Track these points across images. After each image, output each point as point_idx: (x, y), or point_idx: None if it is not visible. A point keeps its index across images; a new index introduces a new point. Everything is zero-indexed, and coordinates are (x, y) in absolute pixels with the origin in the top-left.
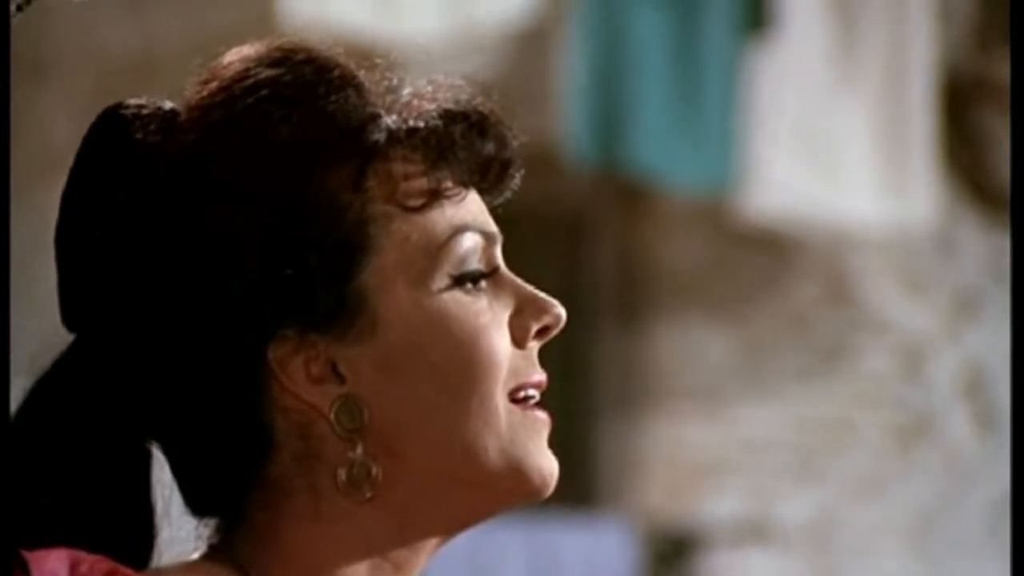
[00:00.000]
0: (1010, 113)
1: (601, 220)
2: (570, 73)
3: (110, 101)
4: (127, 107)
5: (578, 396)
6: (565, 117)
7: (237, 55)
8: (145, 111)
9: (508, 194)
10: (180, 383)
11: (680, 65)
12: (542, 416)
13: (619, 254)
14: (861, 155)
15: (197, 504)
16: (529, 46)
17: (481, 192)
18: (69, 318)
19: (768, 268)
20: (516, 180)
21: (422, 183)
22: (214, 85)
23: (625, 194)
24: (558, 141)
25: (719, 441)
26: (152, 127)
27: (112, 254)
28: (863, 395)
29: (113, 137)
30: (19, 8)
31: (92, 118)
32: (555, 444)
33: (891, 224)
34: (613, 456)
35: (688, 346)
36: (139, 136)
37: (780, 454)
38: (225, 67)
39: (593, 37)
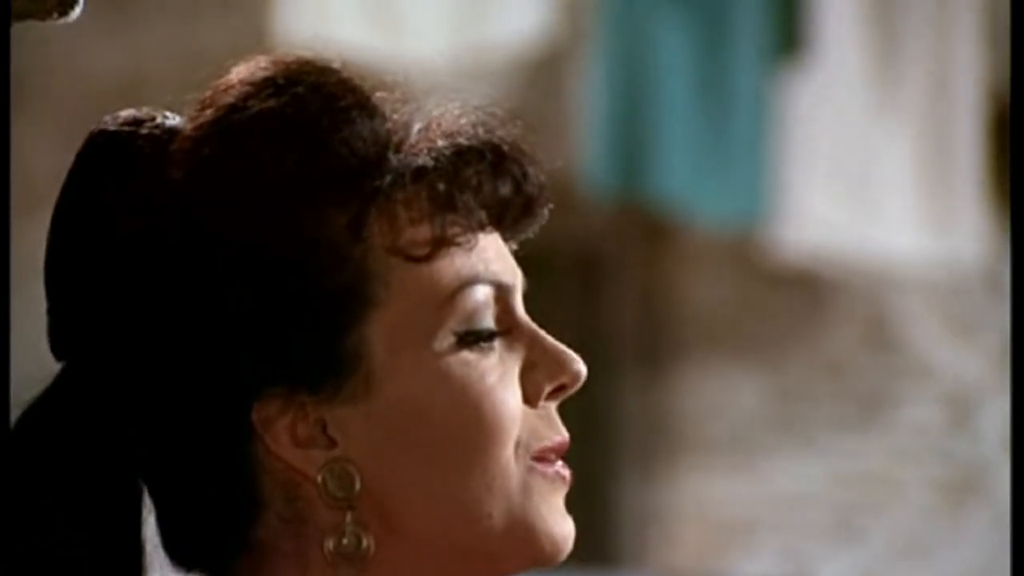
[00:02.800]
0: (1010, 113)
1: (621, 258)
2: (587, 99)
3: (95, 127)
4: (123, 125)
5: (598, 448)
6: (582, 147)
7: (240, 76)
8: (142, 130)
9: (533, 231)
10: (164, 427)
11: (706, 90)
12: (564, 474)
13: (641, 295)
14: (903, 187)
15: (179, 557)
16: (543, 70)
17: (501, 232)
18: (57, 345)
19: (803, 310)
20: (541, 218)
21: (427, 230)
22: (210, 114)
23: (647, 230)
24: (574, 173)
25: (750, 497)
26: (147, 151)
27: (99, 284)
28: (906, 448)
29: (105, 162)
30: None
31: (76, 144)
32: (573, 499)
33: (936, 261)
34: (636, 513)
35: (716, 394)
36: (132, 163)
37: (816, 511)
38: (225, 90)
39: (613, 61)
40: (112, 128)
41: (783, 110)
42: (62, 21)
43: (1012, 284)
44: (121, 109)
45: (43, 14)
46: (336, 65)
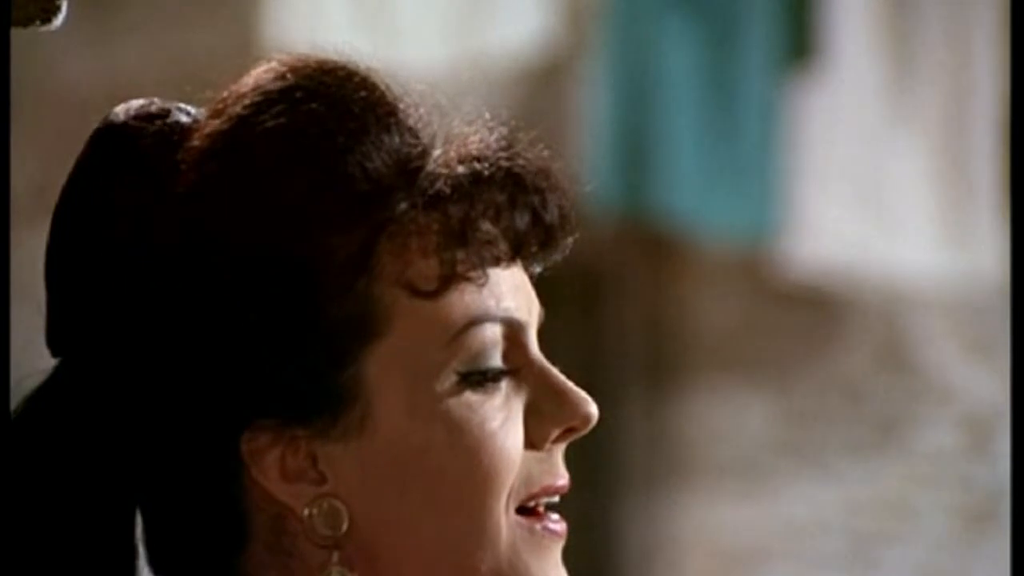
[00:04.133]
0: (1011, 113)
1: (625, 275)
2: (590, 109)
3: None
4: (134, 118)
5: (600, 472)
6: (584, 159)
7: (256, 82)
8: (152, 127)
9: (558, 259)
10: (152, 443)
11: (714, 100)
12: (554, 529)
13: (646, 314)
14: (919, 200)
15: None
16: (545, 79)
17: (523, 261)
18: (53, 341)
19: (815, 329)
20: (564, 248)
21: (437, 264)
22: (219, 124)
23: (652, 246)
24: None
25: (760, 525)
26: (154, 151)
27: (95, 286)
28: (923, 473)
29: (111, 158)
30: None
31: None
32: (575, 525)
33: (954, 278)
34: (640, 540)
35: (725, 418)
36: (138, 163)
37: (829, 539)
38: (238, 98)
39: (617, 69)
40: (121, 121)
41: (794, 120)
42: (45, 28)
43: (1012, 286)
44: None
45: (25, 21)
46: (360, 73)
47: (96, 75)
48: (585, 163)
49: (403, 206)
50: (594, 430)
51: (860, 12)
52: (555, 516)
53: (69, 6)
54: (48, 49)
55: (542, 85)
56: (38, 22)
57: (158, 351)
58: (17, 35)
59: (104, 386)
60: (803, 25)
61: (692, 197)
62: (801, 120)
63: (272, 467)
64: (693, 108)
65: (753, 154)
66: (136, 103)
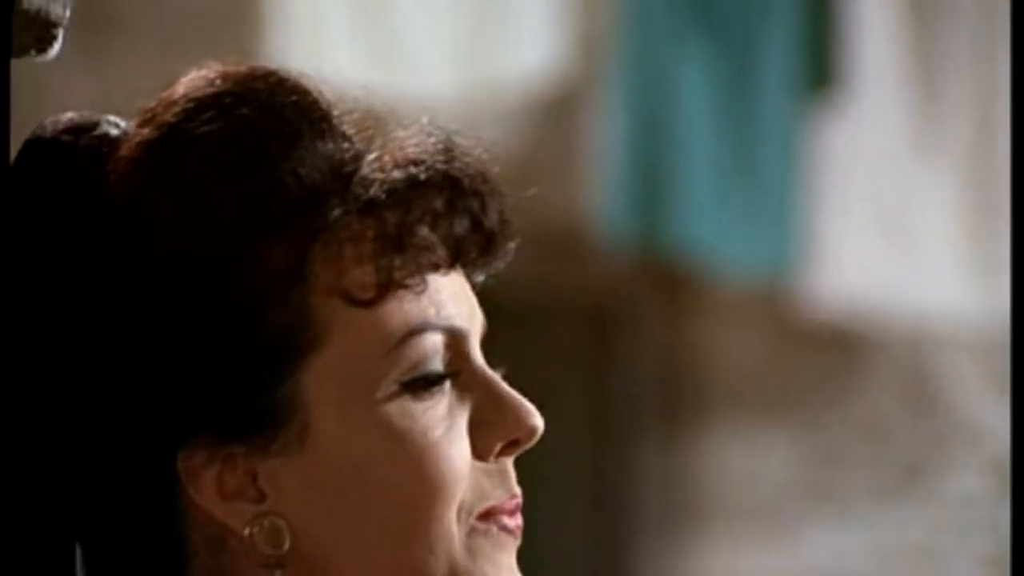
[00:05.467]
0: (1011, 113)
1: (640, 312)
2: (604, 140)
3: (34, 132)
4: (62, 132)
5: (613, 517)
6: (597, 191)
7: (186, 90)
8: (82, 141)
9: (499, 266)
10: (87, 461)
11: (732, 130)
12: (508, 526)
13: (661, 352)
14: (946, 234)
15: None
16: (557, 108)
17: (463, 269)
18: None
19: (837, 368)
20: (505, 254)
21: (373, 272)
22: (149, 133)
23: (668, 281)
24: (588, 219)
25: (781, 571)
26: (84, 164)
27: (27, 298)
28: (952, 518)
29: (40, 173)
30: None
31: None
32: (589, 573)
33: (982, 315)
34: None
35: (744, 460)
36: (67, 178)
37: None
38: (168, 106)
39: (631, 98)
40: (50, 135)
41: (815, 151)
42: (40, 59)
43: (1012, 288)
44: None
45: (19, 51)
46: (291, 79)
47: (93, 99)
48: (598, 196)
49: (337, 212)
50: (606, 471)
51: (883, 39)
52: (509, 512)
53: (65, 35)
54: (43, 73)
55: (554, 115)
56: (33, 52)
57: (89, 366)
58: (12, 61)
59: (37, 401)
60: (824, 52)
61: (709, 231)
62: (822, 151)
63: (209, 485)
64: (710, 138)
65: (773, 186)
66: (65, 116)
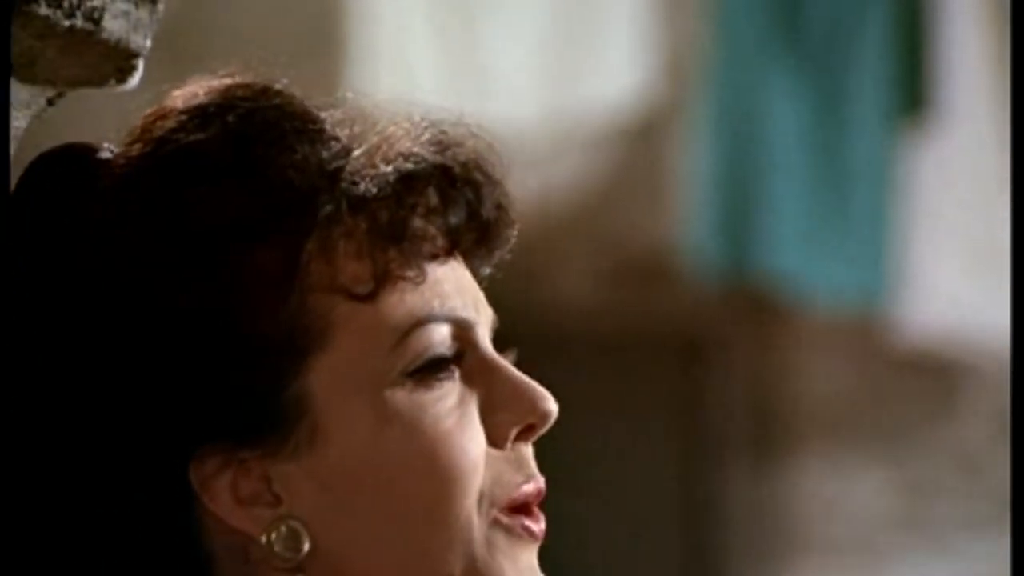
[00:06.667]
0: (1011, 113)
1: (729, 341)
2: (691, 167)
3: (34, 158)
4: (60, 158)
5: (703, 548)
6: (685, 220)
7: (172, 105)
8: (76, 165)
9: (501, 255)
10: (99, 478)
11: (822, 156)
12: (531, 529)
13: (751, 381)
14: None
15: None
16: (644, 135)
17: (464, 260)
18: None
19: (931, 397)
20: (505, 242)
21: (369, 265)
22: (138, 148)
23: (757, 310)
24: (677, 249)
25: None
26: (77, 186)
27: (32, 315)
28: None
29: (36, 196)
30: (49, 103)
31: None
32: None
33: None
34: None
35: (835, 490)
36: (62, 199)
37: None
38: (155, 121)
39: (719, 125)
40: (47, 162)
41: (907, 177)
42: (120, 88)
43: (1012, 289)
44: None
45: (100, 81)
46: (275, 86)
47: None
48: (685, 224)
49: (328, 208)
50: (695, 502)
51: (977, 62)
52: (534, 515)
53: (146, 65)
54: (123, 103)
55: (640, 142)
56: (113, 81)
57: (93, 380)
58: (94, 91)
59: (44, 416)
60: (917, 77)
61: (798, 259)
62: (914, 177)
63: (224, 493)
64: (799, 164)
65: (863, 213)
66: (61, 146)
